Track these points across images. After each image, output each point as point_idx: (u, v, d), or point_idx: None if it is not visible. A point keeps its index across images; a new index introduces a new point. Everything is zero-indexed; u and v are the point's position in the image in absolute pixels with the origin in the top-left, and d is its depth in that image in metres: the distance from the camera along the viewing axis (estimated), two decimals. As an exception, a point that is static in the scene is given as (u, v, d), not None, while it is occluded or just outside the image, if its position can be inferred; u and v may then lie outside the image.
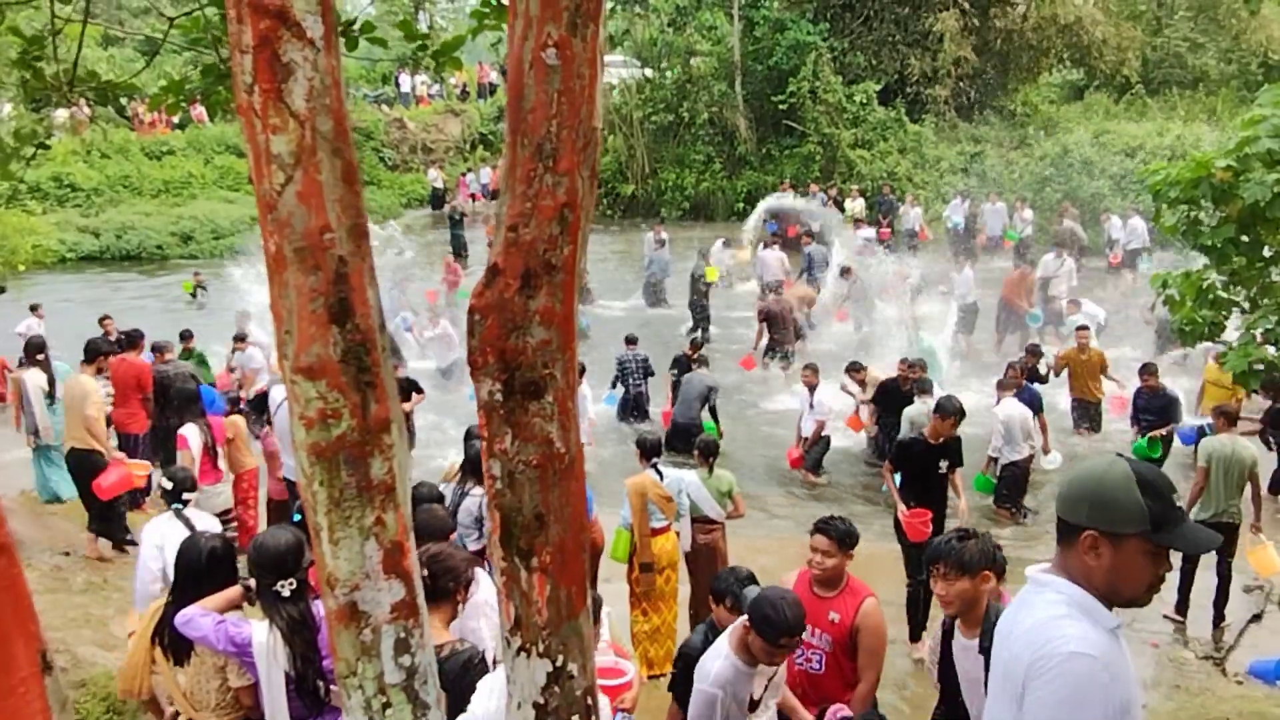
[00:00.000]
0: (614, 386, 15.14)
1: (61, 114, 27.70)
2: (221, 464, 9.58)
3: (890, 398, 12.97)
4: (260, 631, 4.44)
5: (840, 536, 5.50)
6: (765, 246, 22.59)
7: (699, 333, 18.46)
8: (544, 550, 2.09)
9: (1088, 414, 14.16)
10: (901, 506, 8.81)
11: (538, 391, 2.04)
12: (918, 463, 8.94)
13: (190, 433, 9.23)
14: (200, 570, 4.69)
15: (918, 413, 11.98)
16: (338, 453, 1.88)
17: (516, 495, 2.07)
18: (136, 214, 30.01)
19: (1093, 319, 17.60)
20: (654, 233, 22.97)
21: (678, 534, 8.60)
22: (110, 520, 10.09)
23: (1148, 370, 12.53)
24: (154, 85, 5.21)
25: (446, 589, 4.51)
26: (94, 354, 10.23)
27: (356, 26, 4.46)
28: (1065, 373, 14.15)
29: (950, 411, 8.91)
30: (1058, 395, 14.37)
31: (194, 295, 23.00)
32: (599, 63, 2.04)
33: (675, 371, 14.64)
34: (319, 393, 1.86)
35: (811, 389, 13.18)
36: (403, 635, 1.97)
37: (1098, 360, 13.93)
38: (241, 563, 4.88)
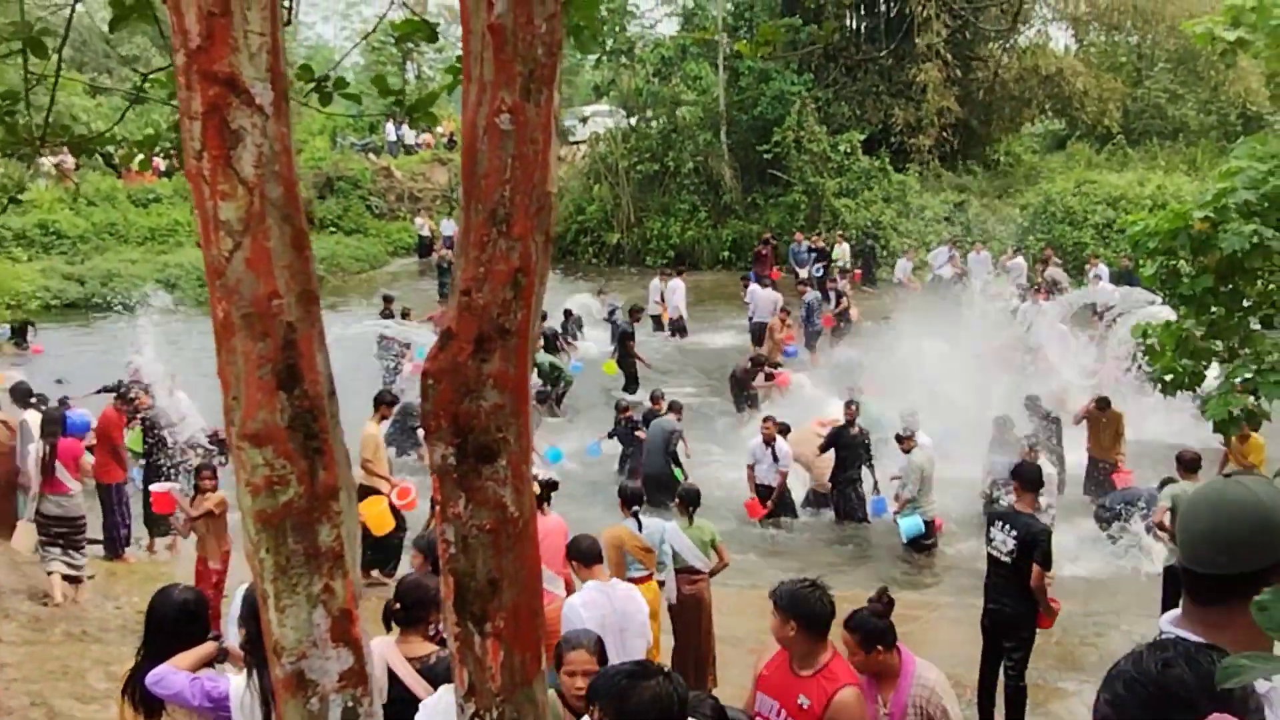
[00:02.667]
0: (610, 436, 15.22)
1: (48, 162, 27.76)
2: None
3: (845, 445, 12.99)
4: (238, 685, 4.39)
5: (787, 606, 4.73)
6: (759, 283, 23.03)
7: (630, 393, 18.43)
8: (498, 615, 2.07)
9: (1096, 473, 13.97)
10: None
11: (491, 456, 2.02)
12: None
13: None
14: (172, 624, 4.64)
15: (924, 459, 12.20)
16: (284, 520, 1.87)
17: (470, 560, 2.05)
18: (122, 261, 29.93)
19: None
20: (600, 300, 22.93)
21: (660, 584, 8.56)
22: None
23: None
24: (141, 136, 5.22)
25: (420, 617, 5.05)
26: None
27: (330, 83, 4.48)
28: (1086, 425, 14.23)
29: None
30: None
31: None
32: (553, 128, 2.05)
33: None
34: (265, 459, 1.85)
35: (769, 441, 13.12)
36: (350, 704, 1.95)
37: (1115, 420, 13.94)
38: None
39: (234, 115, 1.81)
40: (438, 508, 2.09)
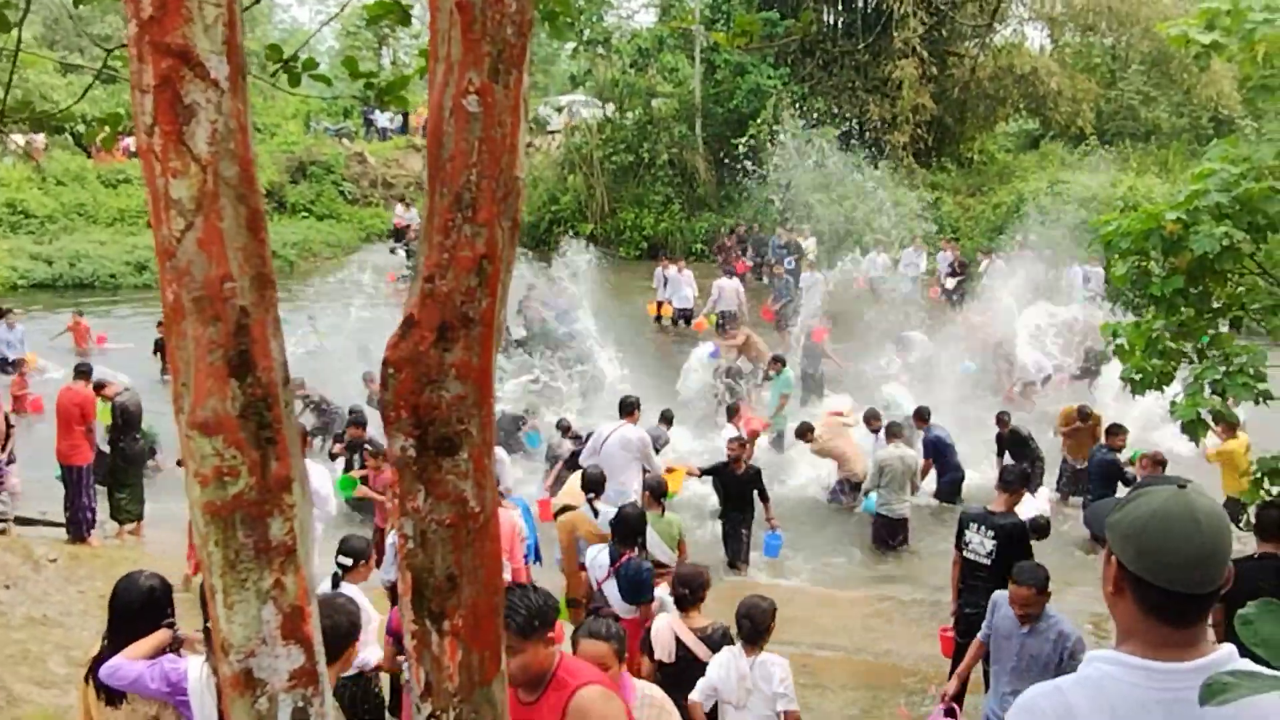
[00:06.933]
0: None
1: (16, 140, 27.43)
2: None
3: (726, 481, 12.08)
4: (195, 667, 4.33)
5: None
6: (725, 275, 23.21)
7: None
8: (456, 613, 2.01)
9: (1075, 479, 14.01)
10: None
11: (452, 448, 1.96)
12: None
13: None
14: (137, 611, 4.58)
15: (889, 454, 12.25)
16: (234, 512, 1.79)
17: (428, 555, 1.99)
18: (91, 242, 29.62)
19: (1040, 369, 17.89)
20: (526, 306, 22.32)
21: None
22: None
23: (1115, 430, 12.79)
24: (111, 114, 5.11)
25: (700, 597, 6.61)
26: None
27: (299, 64, 4.39)
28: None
29: None
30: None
31: None
32: (522, 111, 1.98)
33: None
34: (215, 449, 1.77)
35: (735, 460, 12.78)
36: (301, 704, 1.88)
37: (1094, 426, 14.00)
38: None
39: (187, 89, 1.73)
40: (395, 501, 2.03)
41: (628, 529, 7.79)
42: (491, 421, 2.03)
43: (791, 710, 5.95)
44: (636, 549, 7.77)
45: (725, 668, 6.01)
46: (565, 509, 9.32)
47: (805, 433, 14.12)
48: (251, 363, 1.80)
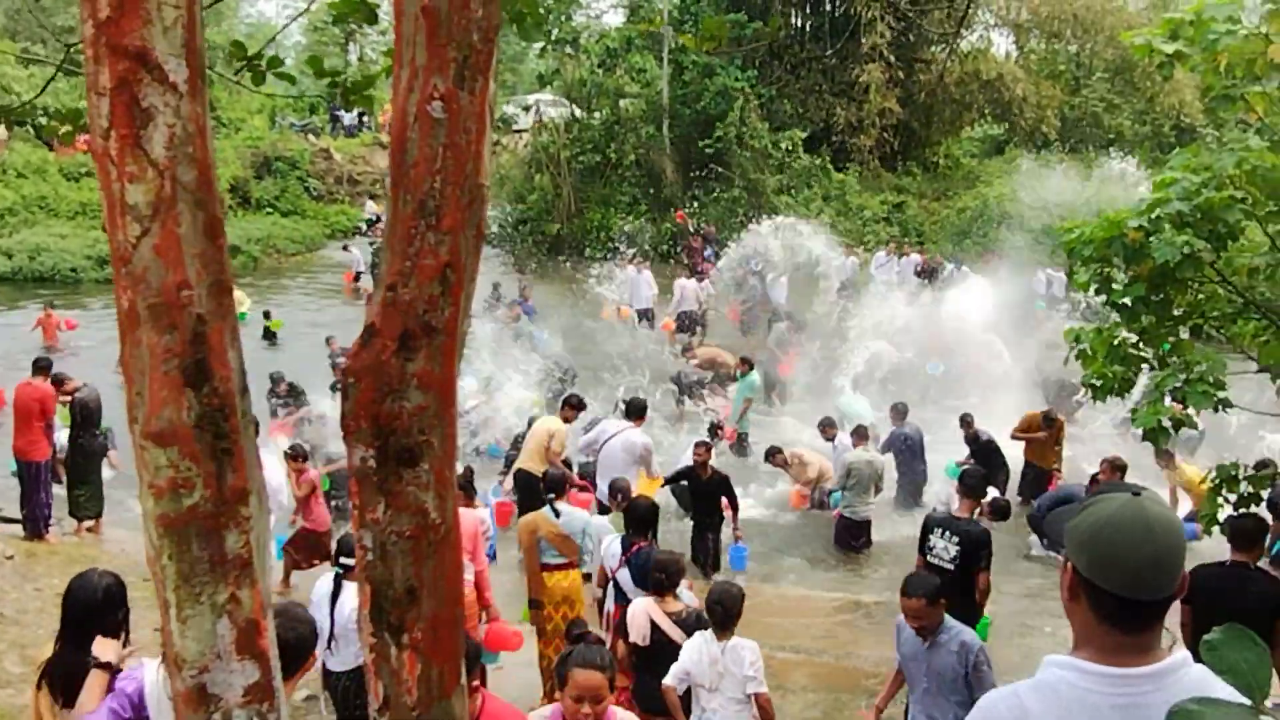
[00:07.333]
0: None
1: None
2: None
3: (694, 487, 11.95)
4: (151, 671, 4.25)
5: None
6: (687, 275, 23.24)
7: None
8: (416, 626, 1.98)
9: (1038, 480, 14.05)
10: None
11: (413, 459, 1.93)
12: None
13: None
14: (91, 610, 4.52)
15: (857, 458, 12.30)
16: (188, 525, 1.76)
17: (388, 567, 1.96)
18: (52, 236, 29.25)
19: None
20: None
21: (586, 576, 8.58)
22: None
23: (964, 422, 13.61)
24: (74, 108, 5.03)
25: (675, 583, 6.83)
26: None
27: (263, 62, 4.33)
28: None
29: None
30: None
31: None
32: (488, 117, 1.96)
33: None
34: (170, 460, 1.74)
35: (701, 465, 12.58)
36: (255, 720, 1.84)
37: (1057, 431, 14.09)
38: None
39: (145, 92, 1.69)
40: (355, 512, 1.99)
41: (639, 519, 8.04)
42: (454, 433, 2.00)
43: (761, 692, 6.13)
44: (647, 539, 8.01)
45: (698, 652, 6.21)
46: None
47: (774, 454, 14.10)
48: (208, 372, 1.76)
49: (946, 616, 6.24)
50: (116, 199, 1.71)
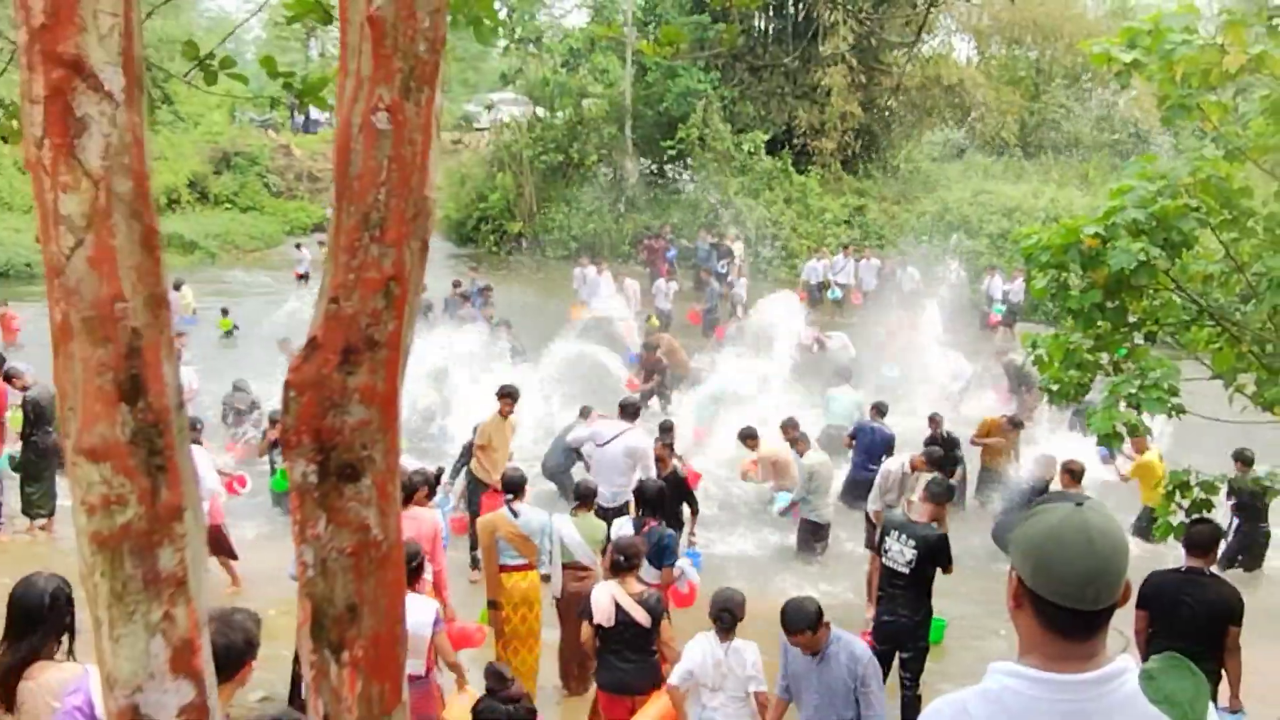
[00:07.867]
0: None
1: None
2: None
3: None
4: (94, 675, 4.17)
5: None
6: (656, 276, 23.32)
7: None
8: (356, 644, 1.95)
9: (993, 483, 14.04)
10: None
11: (354, 475, 1.90)
12: None
13: None
14: (36, 614, 4.44)
15: (819, 460, 12.30)
16: (122, 542, 1.72)
17: (329, 584, 1.93)
18: (5, 229, 28.82)
19: (960, 375, 18.15)
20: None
21: (545, 577, 8.58)
22: None
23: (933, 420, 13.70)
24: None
25: (635, 565, 7.43)
26: None
27: (215, 62, 4.28)
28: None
29: None
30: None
31: None
32: (434, 129, 1.93)
33: None
34: (103, 476, 1.70)
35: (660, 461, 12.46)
36: (191, 741, 1.81)
37: (1015, 438, 14.21)
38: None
39: (79, 101, 1.66)
40: (295, 528, 1.96)
41: (649, 500, 9.14)
42: (397, 448, 1.98)
43: (761, 691, 6.52)
44: (657, 518, 9.01)
45: (702, 654, 6.60)
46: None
47: (749, 437, 13.97)
48: (143, 387, 1.72)
49: (834, 628, 6.36)
50: (50, 209, 1.68)
